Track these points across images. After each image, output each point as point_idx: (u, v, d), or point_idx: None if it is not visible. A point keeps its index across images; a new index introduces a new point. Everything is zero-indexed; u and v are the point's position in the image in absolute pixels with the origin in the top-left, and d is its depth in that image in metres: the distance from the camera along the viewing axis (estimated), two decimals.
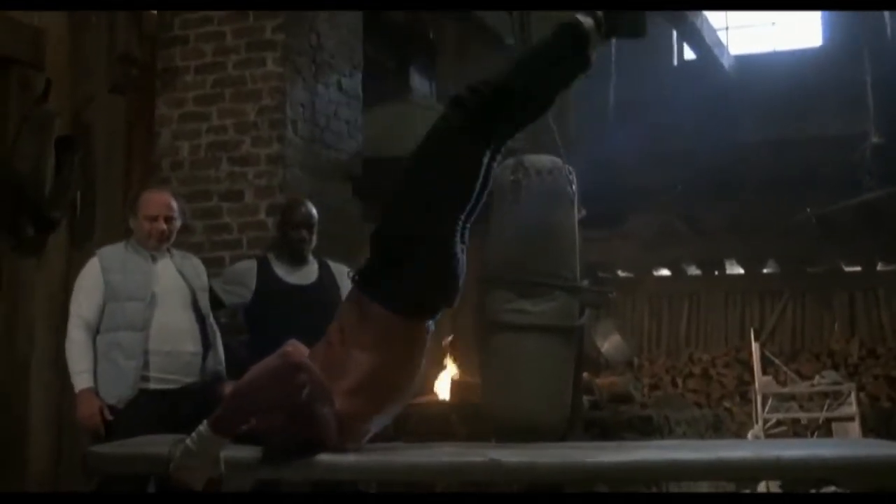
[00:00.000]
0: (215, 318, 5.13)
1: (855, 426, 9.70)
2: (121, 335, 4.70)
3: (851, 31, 10.22)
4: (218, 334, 5.06)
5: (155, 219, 4.87)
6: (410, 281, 3.44)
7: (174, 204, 4.99)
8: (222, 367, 5.02)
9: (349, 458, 3.31)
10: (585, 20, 3.49)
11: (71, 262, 5.59)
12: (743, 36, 12.40)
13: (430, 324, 3.59)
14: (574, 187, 4.48)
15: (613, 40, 3.82)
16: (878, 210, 10.84)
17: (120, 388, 4.65)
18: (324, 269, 5.36)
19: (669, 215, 12.45)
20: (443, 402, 7.29)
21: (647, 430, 6.70)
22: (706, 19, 9.76)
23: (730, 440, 7.38)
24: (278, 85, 6.25)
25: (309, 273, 5.32)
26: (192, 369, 4.84)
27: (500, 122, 3.50)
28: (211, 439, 3.19)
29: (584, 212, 4.76)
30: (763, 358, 10.50)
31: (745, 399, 12.13)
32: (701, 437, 7.59)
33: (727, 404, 12.56)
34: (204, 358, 4.90)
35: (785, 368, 11.36)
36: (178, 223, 5.02)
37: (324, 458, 3.26)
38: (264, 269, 5.28)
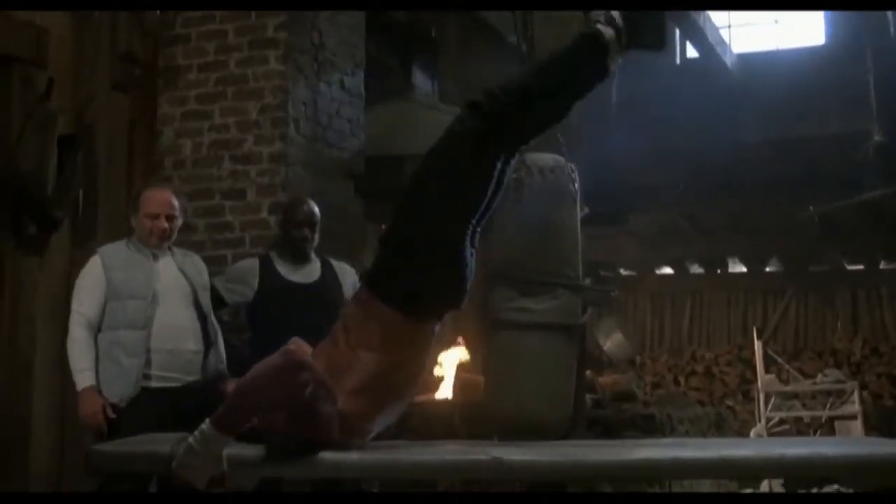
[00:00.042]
0: (217, 316, 5.13)
1: (857, 424, 9.70)
2: (122, 333, 4.70)
3: (854, 29, 10.21)
4: (219, 333, 5.06)
5: (156, 217, 4.87)
6: (419, 282, 3.44)
7: (175, 202, 4.98)
8: (224, 365, 5.02)
9: (352, 457, 3.31)
10: (606, 30, 3.49)
11: (73, 261, 5.59)
12: (745, 34, 12.40)
13: (437, 326, 3.59)
14: (576, 185, 4.47)
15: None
16: (880, 209, 10.85)
17: (122, 387, 4.65)
18: (326, 268, 5.35)
19: (672, 214, 12.47)
20: (446, 401, 7.28)
21: (649, 428, 6.69)
22: (709, 18, 9.76)
23: (732, 439, 7.37)
24: (280, 83, 6.25)
25: (311, 271, 5.31)
26: (194, 368, 4.84)
27: (516, 128, 3.50)
28: (213, 437, 3.19)
29: (586, 210, 4.74)
30: (766, 356, 10.49)
31: (748, 397, 12.15)
32: (703, 435, 7.58)
33: (730, 403, 12.58)
34: (205, 356, 4.90)
35: (787, 367, 11.35)
36: (179, 221, 5.02)
37: (326, 456, 3.26)
38: (266, 267, 5.28)
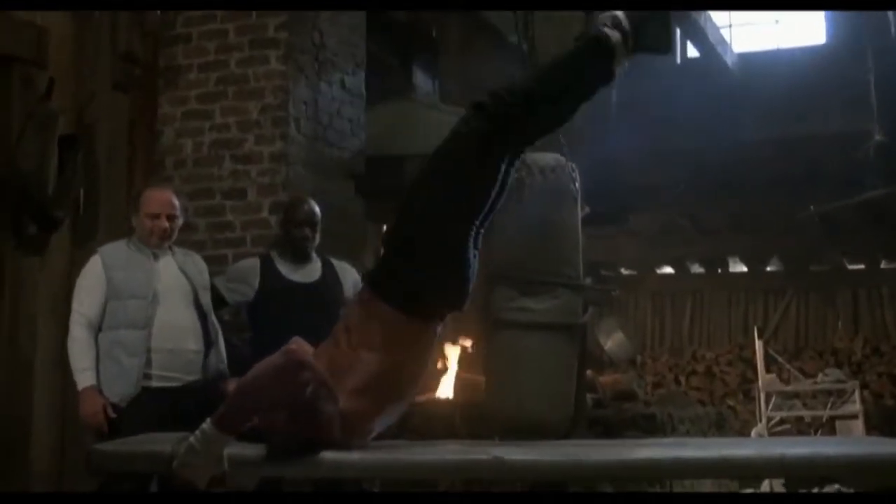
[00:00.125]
0: (218, 316, 5.13)
1: (858, 424, 9.70)
2: (123, 333, 4.70)
3: (855, 29, 10.21)
4: (220, 332, 5.06)
5: (157, 216, 4.87)
6: (422, 283, 3.44)
7: (176, 202, 4.98)
8: (224, 365, 5.02)
9: (353, 456, 3.31)
10: (612, 34, 3.49)
11: (74, 261, 5.59)
12: (746, 34, 12.41)
13: (439, 326, 3.59)
14: (577, 185, 4.47)
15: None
16: (881, 208, 10.85)
17: (122, 387, 4.66)
18: (327, 268, 5.36)
19: (673, 213, 12.48)
20: (447, 401, 7.29)
21: (650, 428, 6.69)
22: (709, 17, 9.76)
23: (733, 438, 7.37)
24: (281, 83, 6.25)
25: (312, 271, 5.32)
26: (195, 367, 4.84)
27: (521, 129, 3.50)
28: (214, 437, 3.19)
29: (587, 209, 4.75)
30: (766, 356, 10.49)
31: (749, 397, 12.14)
32: (704, 435, 7.57)
33: (730, 402, 12.58)
34: (206, 356, 4.90)
35: (788, 366, 11.35)
36: (180, 221, 5.02)
37: (327, 455, 3.26)
38: (267, 267, 5.28)
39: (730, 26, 12.04)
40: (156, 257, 4.90)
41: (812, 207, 11.00)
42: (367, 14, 7.19)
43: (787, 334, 13.34)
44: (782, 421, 9.96)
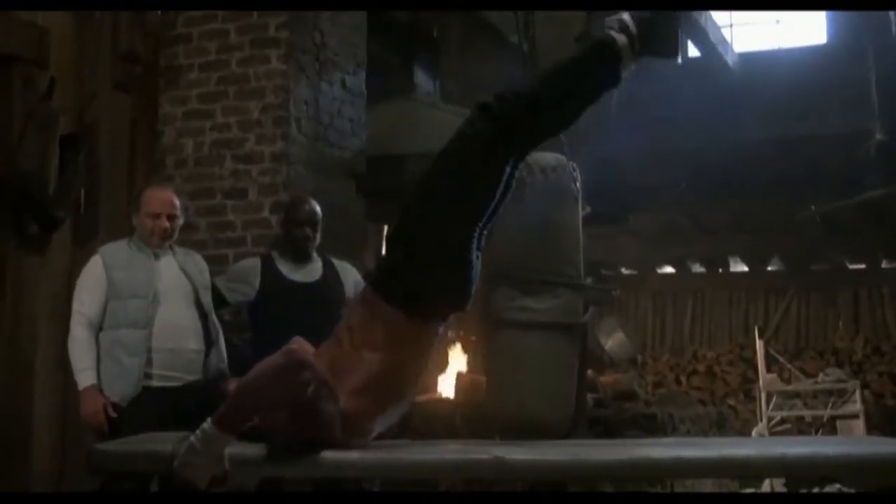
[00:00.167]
0: (219, 315, 5.13)
1: (859, 424, 9.70)
2: (123, 333, 4.70)
3: (855, 28, 10.20)
4: (220, 332, 5.06)
5: (157, 216, 4.87)
6: (424, 283, 3.44)
7: (177, 201, 4.98)
8: (225, 364, 5.02)
9: (353, 456, 3.31)
10: (619, 37, 3.48)
11: (75, 261, 5.59)
12: (747, 33, 12.39)
13: (440, 327, 3.59)
14: (578, 184, 4.47)
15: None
16: (882, 208, 10.84)
17: (123, 386, 4.66)
18: (327, 267, 5.36)
19: (673, 213, 12.47)
20: (448, 400, 7.29)
21: (651, 427, 6.69)
22: (710, 17, 9.75)
23: (734, 438, 7.37)
24: (282, 83, 6.25)
25: (313, 271, 5.32)
26: (195, 367, 4.84)
27: (526, 131, 3.50)
28: (215, 436, 3.19)
29: (588, 209, 4.75)
30: (767, 355, 10.50)
31: (749, 397, 12.15)
32: (705, 434, 7.58)
33: (731, 402, 12.58)
34: (207, 355, 4.90)
35: (789, 366, 11.35)
36: (180, 221, 5.02)
37: (328, 455, 3.26)
38: (268, 266, 5.28)
39: (730, 26, 12.04)
40: (156, 257, 4.90)
41: (813, 207, 11.00)
42: (368, 14, 7.19)
43: (788, 334, 13.34)
44: (783, 421, 9.96)
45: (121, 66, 6.29)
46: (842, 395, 10.15)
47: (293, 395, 3.23)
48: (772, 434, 9.52)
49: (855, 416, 9.81)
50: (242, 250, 6.11)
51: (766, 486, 7.88)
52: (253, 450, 3.28)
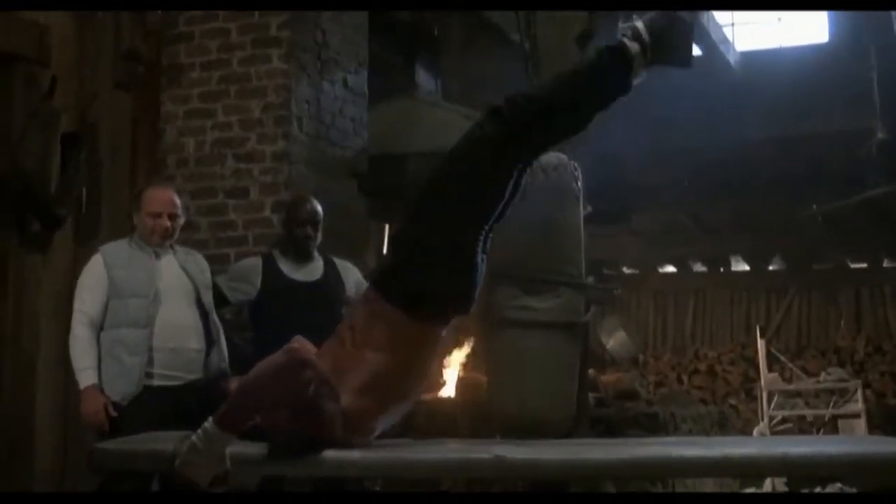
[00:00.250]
0: (220, 315, 5.12)
1: (861, 423, 9.70)
2: (124, 332, 4.70)
3: (857, 27, 10.21)
4: (221, 331, 5.05)
5: (158, 215, 4.87)
6: (428, 285, 3.43)
7: (178, 200, 4.98)
8: (226, 363, 5.02)
9: (354, 455, 3.31)
10: (632, 45, 3.47)
11: (76, 260, 5.59)
12: (749, 32, 12.40)
13: (443, 329, 3.59)
14: (579, 184, 4.48)
15: (620, 26, 3.80)
16: (884, 206, 10.85)
17: (124, 385, 4.65)
18: (329, 266, 5.36)
19: (675, 212, 12.48)
20: (449, 400, 7.29)
21: (652, 426, 6.70)
22: (712, 16, 9.76)
23: (736, 437, 7.37)
24: (283, 82, 6.25)
25: (314, 270, 5.32)
26: (196, 366, 4.84)
27: (535, 136, 3.49)
28: (217, 436, 3.19)
29: (589, 208, 4.75)
30: (769, 355, 10.50)
31: (751, 396, 12.16)
32: (706, 434, 7.58)
33: (733, 401, 12.59)
34: (208, 355, 4.89)
35: (791, 365, 11.36)
36: (181, 220, 5.02)
37: (329, 454, 3.26)
38: (269, 265, 5.28)
39: (732, 25, 12.04)
40: (157, 256, 4.90)
41: (814, 206, 11.01)
42: (370, 13, 7.19)
43: (790, 333, 13.35)
44: (784, 420, 9.96)
45: (122, 64, 6.28)
46: (843, 395, 10.15)
47: (294, 395, 3.23)
48: (773, 433, 9.52)
49: (856, 416, 9.81)
50: (244, 249, 6.11)
51: (767, 486, 7.88)
52: (254, 449, 3.28)
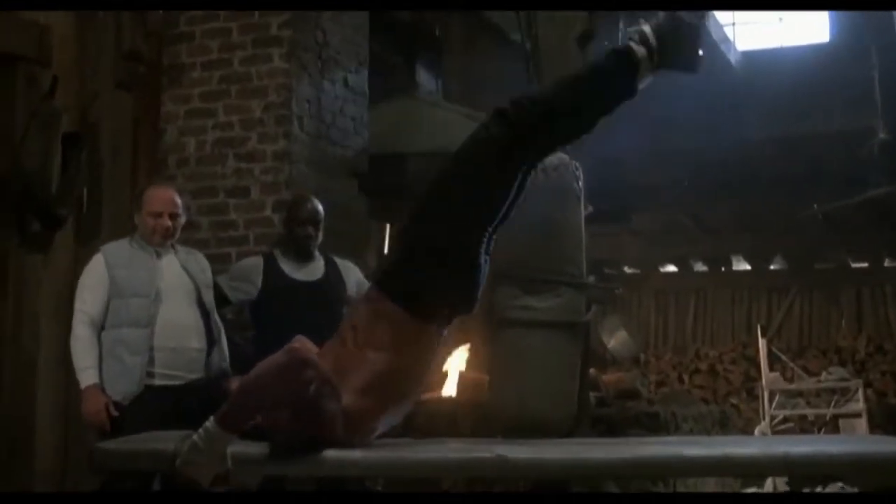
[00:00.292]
0: (221, 314, 5.13)
1: (862, 423, 9.71)
2: (125, 332, 4.70)
3: (858, 27, 10.19)
4: (222, 331, 5.06)
5: (159, 215, 4.87)
6: (432, 286, 3.43)
7: (178, 200, 4.98)
8: (227, 363, 5.02)
9: (356, 454, 3.30)
10: (638, 49, 3.46)
11: (77, 260, 5.59)
12: (749, 32, 12.39)
13: (445, 329, 3.59)
14: (580, 184, 4.48)
15: (621, 26, 3.80)
16: (885, 206, 10.85)
17: (125, 385, 4.66)
18: (330, 266, 5.36)
19: (676, 212, 12.48)
20: (450, 399, 7.28)
21: (653, 426, 6.69)
22: (713, 15, 9.74)
23: (737, 436, 7.37)
24: (284, 81, 6.25)
25: (315, 269, 5.32)
26: (197, 366, 4.84)
27: (540, 138, 3.49)
28: (218, 435, 3.19)
29: (590, 208, 4.75)
30: (770, 354, 10.51)
31: (752, 395, 12.17)
32: (708, 433, 7.57)
33: (734, 401, 12.59)
34: (209, 354, 4.90)
35: (792, 365, 11.36)
36: (182, 219, 5.02)
37: (331, 454, 3.26)
38: (270, 265, 5.28)
39: (733, 24, 12.04)
40: (158, 255, 4.90)
41: (815, 206, 11.00)
42: (371, 12, 7.19)
43: (791, 332, 13.35)
44: (786, 419, 9.97)
45: (123, 64, 6.29)
46: (845, 394, 10.15)
47: (295, 394, 3.22)
48: (775, 433, 9.53)
49: (858, 415, 9.82)
50: (245, 249, 6.11)
51: (768, 485, 7.88)
52: (255, 448, 3.28)
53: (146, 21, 6.43)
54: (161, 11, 6.46)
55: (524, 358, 4.31)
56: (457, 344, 7.67)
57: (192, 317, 4.88)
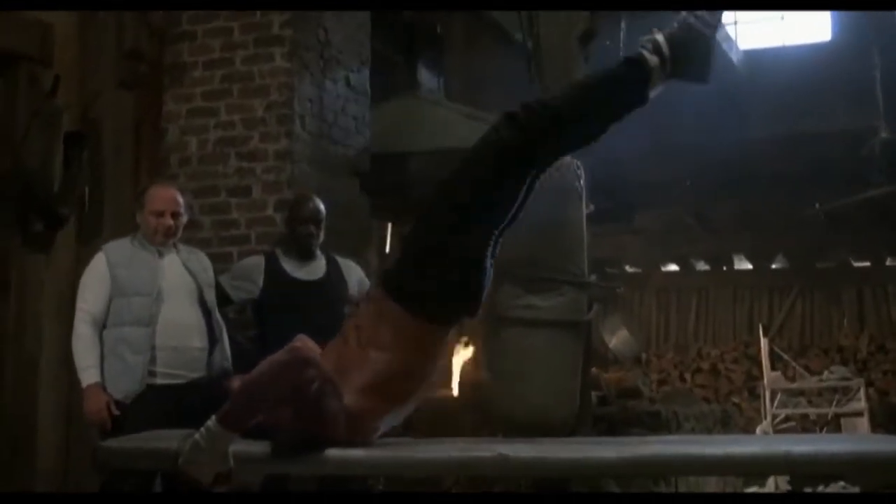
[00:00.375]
0: (223, 313, 5.13)
1: (864, 421, 9.71)
2: (127, 330, 4.70)
3: (860, 26, 10.19)
4: (224, 329, 5.06)
5: (161, 214, 4.87)
6: (437, 287, 3.43)
7: (180, 199, 4.98)
8: (228, 362, 5.01)
9: (358, 453, 3.31)
10: (651, 58, 3.46)
11: (79, 259, 5.59)
12: (752, 31, 12.38)
13: (449, 330, 3.59)
14: (582, 183, 4.48)
15: (622, 25, 3.80)
16: (886, 205, 10.84)
17: (127, 384, 4.66)
18: (331, 265, 5.36)
19: (678, 210, 12.47)
20: (452, 398, 7.29)
21: (655, 425, 6.70)
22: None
23: (738, 435, 7.37)
24: (286, 80, 6.25)
25: (316, 268, 5.32)
26: (199, 365, 4.84)
27: (550, 143, 3.49)
28: (220, 434, 3.19)
29: (592, 207, 4.76)
30: (771, 353, 10.52)
31: (754, 394, 12.16)
32: (709, 432, 7.58)
33: (735, 400, 12.58)
34: (210, 353, 4.90)
35: (793, 364, 11.36)
36: (184, 218, 5.02)
37: (332, 453, 3.26)
38: (272, 264, 5.28)
39: (735, 23, 12.04)
40: (160, 255, 4.90)
41: (817, 204, 11.00)
42: (372, 12, 7.19)
43: (793, 332, 13.33)
44: (787, 418, 9.97)
45: (125, 63, 6.29)
46: (846, 393, 10.16)
47: (297, 393, 3.22)
48: (776, 432, 9.53)
49: (859, 414, 9.82)
50: (246, 248, 6.11)
51: (770, 484, 7.88)
52: (257, 447, 3.28)
53: (148, 20, 6.43)
54: (163, 11, 6.46)
55: (526, 356, 4.31)
56: (457, 341, 7.69)
57: (194, 316, 4.88)
